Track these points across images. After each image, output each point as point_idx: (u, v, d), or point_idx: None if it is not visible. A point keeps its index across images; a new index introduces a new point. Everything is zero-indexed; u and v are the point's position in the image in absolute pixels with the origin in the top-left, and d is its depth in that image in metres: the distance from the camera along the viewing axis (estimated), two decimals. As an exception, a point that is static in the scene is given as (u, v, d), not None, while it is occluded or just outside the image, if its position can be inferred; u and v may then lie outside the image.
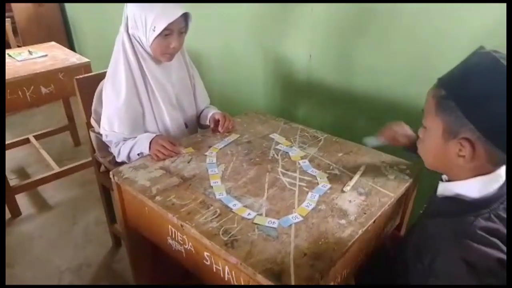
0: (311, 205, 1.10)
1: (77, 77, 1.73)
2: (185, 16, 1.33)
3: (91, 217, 2.34)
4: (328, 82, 1.97)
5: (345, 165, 1.31)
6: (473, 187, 0.72)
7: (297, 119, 2.21)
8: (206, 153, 1.37)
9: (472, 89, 0.67)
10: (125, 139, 1.45)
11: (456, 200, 0.75)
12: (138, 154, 1.41)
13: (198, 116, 1.68)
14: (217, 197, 1.13)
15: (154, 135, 1.37)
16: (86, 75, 1.81)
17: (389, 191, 1.17)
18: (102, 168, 1.92)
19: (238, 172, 1.26)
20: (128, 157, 1.44)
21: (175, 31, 1.33)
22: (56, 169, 2.53)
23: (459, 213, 0.71)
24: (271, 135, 1.50)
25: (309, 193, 1.15)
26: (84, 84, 1.73)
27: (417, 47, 1.55)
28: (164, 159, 1.32)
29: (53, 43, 2.80)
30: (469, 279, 0.62)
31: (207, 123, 1.60)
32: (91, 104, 1.63)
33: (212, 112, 1.59)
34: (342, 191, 1.16)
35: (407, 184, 1.21)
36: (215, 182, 1.20)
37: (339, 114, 2.02)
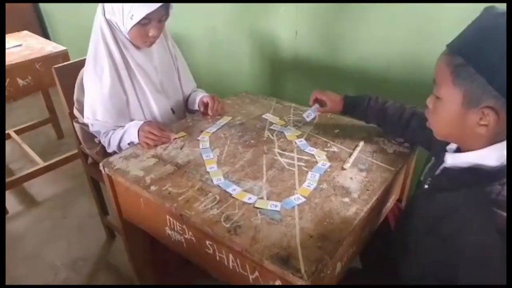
0: (313, 185, 1.07)
1: (55, 66, 1.64)
2: (166, 4, 1.26)
3: (82, 210, 2.28)
4: (315, 58, 1.93)
5: (342, 141, 1.28)
6: (491, 156, 0.69)
7: (286, 97, 2.16)
8: (199, 138, 1.32)
9: (494, 53, 0.63)
10: (114, 129, 1.38)
11: (474, 170, 0.72)
12: (129, 144, 1.35)
13: (186, 101, 1.62)
14: (215, 182, 1.09)
15: (142, 122, 1.31)
16: (64, 63, 1.72)
17: (389, 165, 1.15)
18: (90, 160, 1.86)
19: (234, 156, 1.22)
20: (119, 147, 1.38)
21: (154, 19, 1.26)
22: (41, 163, 2.45)
23: (481, 182, 0.68)
24: (264, 116, 1.46)
25: (309, 173, 1.12)
26: (64, 73, 1.65)
27: (405, 18, 1.51)
28: (154, 147, 1.27)
29: (26, 32, 2.66)
30: (502, 247, 0.60)
31: (196, 107, 1.54)
32: (73, 94, 1.55)
33: (200, 96, 1.53)
34: (342, 169, 1.14)
35: (407, 157, 1.19)
36: (211, 168, 1.16)
37: (328, 89, 1.98)
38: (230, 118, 1.45)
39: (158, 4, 1.21)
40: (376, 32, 1.64)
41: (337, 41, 1.80)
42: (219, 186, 1.07)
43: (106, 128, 1.39)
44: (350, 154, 1.20)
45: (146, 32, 1.28)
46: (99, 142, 1.50)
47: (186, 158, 1.21)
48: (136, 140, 1.30)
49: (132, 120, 1.41)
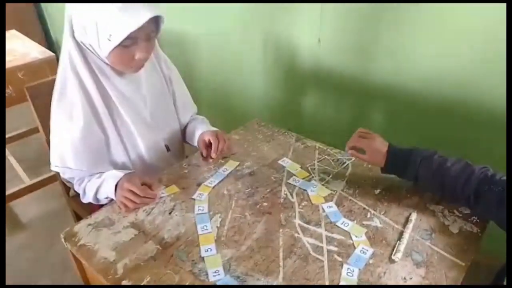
0: (350, 291, 0.75)
1: (28, 85, 1.34)
2: (155, 18, 0.93)
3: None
4: (339, 70, 1.63)
5: (387, 210, 0.95)
6: None
7: (303, 114, 1.85)
8: (195, 196, 1.00)
9: None
10: (90, 175, 1.08)
11: None
12: (106, 198, 1.04)
13: (184, 131, 1.30)
14: (211, 279, 0.78)
15: (121, 174, 1.01)
16: (39, 82, 1.41)
17: (456, 255, 0.82)
18: (72, 192, 1.57)
19: (240, 229, 0.90)
20: (96, 198, 1.08)
21: (141, 38, 0.94)
22: (27, 182, 2.18)
23: None
24: (280, 161, 1.13)
25: (345, 266, 0.80)
26: (38, 93, 1.34)
27: (447, 27, 1.19)
28: (135, 210, 0.96)
29: (13, 31, 2.36)
30: None
31: (195, 144, 1.23)
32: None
33: (200, 131, 1.21)
34: (391, 260, 0.81)
35: (477, 241, 0.86)
36: (207, 250, 0.84)
37: (352, 108, 1.69)
38: (237, 163, 1.13)
39: (145, 19, 0.89)
40: (419, 43, 1.34)
41: (366, 52, 1.49)
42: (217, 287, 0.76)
43: (80, 175, 1.08)
44: (400, 235, 0.87)
45: (131, 55, 0.96)
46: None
47: (175, 231, 0.90)
48: (113, 196, 0.99)
49: (114, 162, 1.11)
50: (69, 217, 2.00)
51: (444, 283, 0.76)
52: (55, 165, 1.06)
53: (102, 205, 1.06)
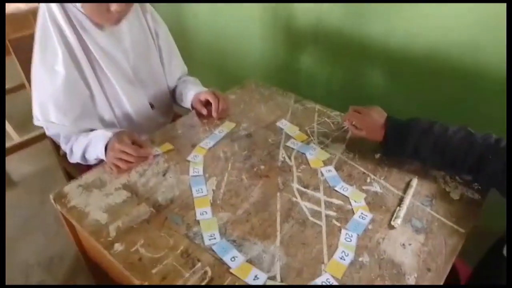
0: (348, 257, 0.73)
1: (11, 37, 1.26)
2: None
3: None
4: (338, 32, 1.55)
5: (387, 174, 0.92)
6: None
7: (300, 71, 1.78)
8: (189, 158, 0.97)
9: None
10: (77, 134, 1.03)
11: None
12: (96, 159, 1.01)
13: (173, 91, 1.25)
14: (207, 243, 0.76)
15: (110, 134, 0.96)
16: (22, 34, 1.32)
17: (456, 222, 0.80)
18: (62, 151, 1.53)
19: (237, 192, 0.87)
20: (84, 158, 1.04)
21: None
22: (17, 139, 2.13)
23: None
24: (278, 123, 1.09)
25: (343, 231, 0.78)
26: (23, 46, 1.26)
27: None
28: (127, 171, 0.93)
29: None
30: None
31: (187, 105, 1.18)
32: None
33: (193, 92, 1.16)
34: (390, 226, 0.80)
35: (478, 208, 0.84)
36: (202, 213, 0.82)
37: (349, 67, 1.61)
38: (234, 125, 1.08)
39: None
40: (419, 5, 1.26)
41: (367, 12, 1.41)
42: (213, 251, 0.74)
43: (66, 132, 1.03)
44: (400, 200, 0.85)
45: (106, 7, 0.89)
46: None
47: (170, 193, 0.87)
48: (103, 157, 0.95)
49: (101, 118, 1.06)
50: (60, 175, 1.97)
51: (443, 250, 0.75)
52: (37, 119, 1.01)
53: (90, 166, 1.03)
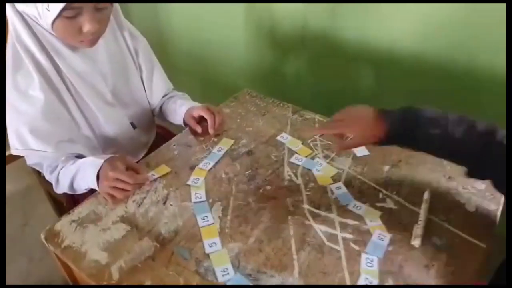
0: (373, 283, 0.69)
1: None
2: None
3: (45, 215, 1.85)
4: (328, 31, 1.49)
5: (399, 188, 0.89)
6: None
7: (286, 76, 1.73)
8: (189, 182, 0.90)
9: None
10: (63, 160, 0.95)
11: None
12: (86, 189, 0.93)
13: (159, 109, 1.18)
14: (220, 279, 0.70)
15: (101, 160, 0.88)
16: None
17: (477, 237, 0.78)
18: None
19: (245, 217, 0.82)
20: (71, 188, 0.96)
21: (87, 8, 0.79)
22: (-6, 156, 1.99)
23: None
24: (279, 138, 1.04)
25: (363, 256, 0.74)
26: None
27: None
28: (123, 200, 0.86)
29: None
30: None
31: (179, 122, 1.12)
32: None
33: (185, 108, 1.09)
34: (410, 246, 0.76)
35: (495, 218, 0.82)
36: (212, 245, 0.76)
37: (337, 70, 1.57)
38: (233, 141, 1.03)
39: None
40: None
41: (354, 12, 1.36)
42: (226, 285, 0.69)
43: (49, 161, 0.95)
44: (416, 217, 0.82)
45: (78, 28, 0.81)
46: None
47: (173, 224, 0.80)
48: (94, 187, 0.88)
49: (84, 142, 0.99)
50: (43, 195, 1.85)
51: (469, 272, 0.72)
52: (15, 148, 0.91)
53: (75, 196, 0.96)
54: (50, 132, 0.90)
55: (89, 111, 0.97)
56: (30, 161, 0.96)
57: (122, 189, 0.85)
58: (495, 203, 0.85)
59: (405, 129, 0.75)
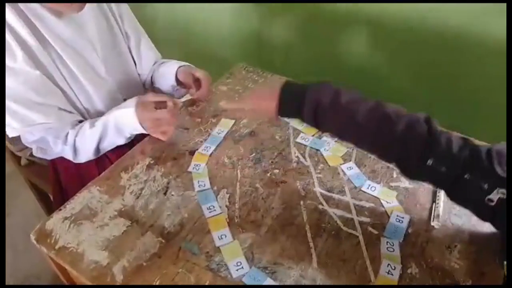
0: (396, 270, 0.66)
1: None
2: None
3: (27, 206, 1.75)
4: None
5: (412, 166, 0.84)
6: None
7: (276, 47, 1.64)
8: (190, 169, 0.83)
9: None
10: (73, 127, 0.89)
11: None
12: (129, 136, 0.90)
13: (150, 81, 1.10)
14: (235, 275, 0.65)
15: (132, 109, 0.83)
16: None
17: (497, 213, 0.74)
18: (24, 161, 1.34)
19: (254, 205, 0.76)
20: (98, 151, 0.91)
21: None
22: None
23: None
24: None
25: (382, 240, 0.70)
26: None
27: None
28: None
29: None
30: None
31: (169, 80, 1.04)
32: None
33: (178, 64, 1.03)
34: (430, 226, 0.72)
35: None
36: (221, 237, 0.70)
37: (330, 37, 1.49)
38: (233, 122, 0.95)
39: None
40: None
41: None
42: (243, 283, 0.64)
43: (55, 132, 0.87)
44: (434, 195, 0.78)
45: None
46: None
47: (177, 216, 0.74)
48: (137, 131, 0.86)
49: (81, 112, 0.93)
50: (22, 182, 1.75)
51: (491, 247, 0.69)
52: (13, 127, 0.84)
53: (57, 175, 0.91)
54: (47, 104, 0.84)
55: (79, 85, 0.90)
56: (32, 137, 0.87)
57: (168, 127, 0.85)
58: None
59: (293, 106, 0.68)
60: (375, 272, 0.65)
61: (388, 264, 0.66)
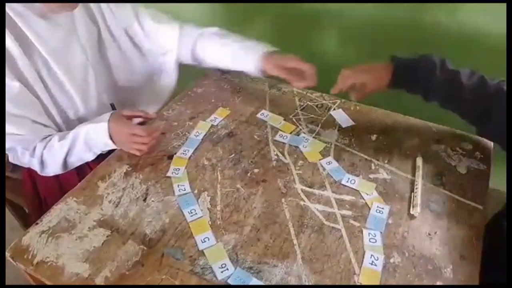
0: (379, 260, 0.67)
1: None
2: None
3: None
4: None
5: (390, 157, 0.86)
6: None
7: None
8: (169, 173, 0.82)
9: None
10: (41, 141, 0.86)
11: None
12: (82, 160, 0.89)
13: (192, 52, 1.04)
14: (220, 277, 0.64)
15: (105, 124, 0.82)
16: None
17: (473, 199, 0.77)
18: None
19: (236, 206, 0.76)
20: (65, 165, 0.89)
21: None
22: None
23: None
24: (259, 115, 0.97)
25: (364, 232, 0.71)
26: None
27: None
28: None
29: None
30: None
31: (249, 69, 0.96)
32: None
33: (256, 55, 0.93)
34: (410, 216, 0.74)
35: (487, 177, 0.82)
36: (204, 240, 0.70)
37: (303, 38, 1.50)
38: (210, 123, 0.95)
39: None
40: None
41: None
42: (228, 284, 0.63)
43: (25, 144, 0.85)
44: (412, 185, 0.79)
45: None
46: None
47: (158, 222, 0.73)
48: (111, 147, 0.85)
49: (57, 124, 0.91)
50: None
51: (470, 233, 0.71)
52: None
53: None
54: (22, 116, 0.82)
55: (65, 93, 0.88)
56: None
57: (143, 144, 0.84)
58: (484, 162, 0.84)
59: (403, 74, 0.82)
60: (359, 264, 0.66)
61: (371, 255, 0.67)
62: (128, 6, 0.96)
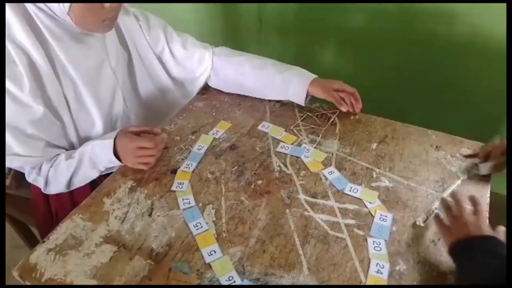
0: (384, 268, 0.67)
1: None
2: None
3: (6, 236, 1.70)
4: (284, 9, 1.44)
5: (391, 164, 0.87)
6: None
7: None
8: (174, 188, 0.83)
9: None
10: (48, 160, 0.88)
11: None
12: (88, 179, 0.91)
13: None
14: None
15: (111, 140, 0.84)
16: None
17: (474, 204, 0.77)
18: None
19: (241, 218, 0.77)
20: (69, 184, 0.90)
21: None
22: None
23: None
24: (260, 127, 0.99)
25: (369, 240, 0.72)
26: None
27: None
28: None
29: None
30: None
31: (291, 98, 1.02)
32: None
33: (300, 81, 0.98)
34: (414, 225, 0.74)
35: (488, 184, 0.83)
36: (211, 253, 0.70)
37: (302, 51, 1.53)
38: (212, 137, 0.96)
39: None
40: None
41: None
42: (221, 285, 0.64)
43: (34, 163, 0.86)
44: (413, 191, 0.80)
45: (100, 6, 0.73)
46: (10, 170, 1.01)
47: (164, 237, 0.74)
48: (114, 164, 0.86)
49: (71, 143, 0.92)
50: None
51: (470, 237, 0.72)
52: None
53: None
54: (37, 138, 0.83)
55: (86, 115, 0.89)
56: (9, 165, 0.86)
57: (150, 156, 0.86)
58: (485, 167, 0.85)
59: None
60: (365, 273, 0.67)
61: (377, 264, 0.68)
62: (159, 30, 0.98)
